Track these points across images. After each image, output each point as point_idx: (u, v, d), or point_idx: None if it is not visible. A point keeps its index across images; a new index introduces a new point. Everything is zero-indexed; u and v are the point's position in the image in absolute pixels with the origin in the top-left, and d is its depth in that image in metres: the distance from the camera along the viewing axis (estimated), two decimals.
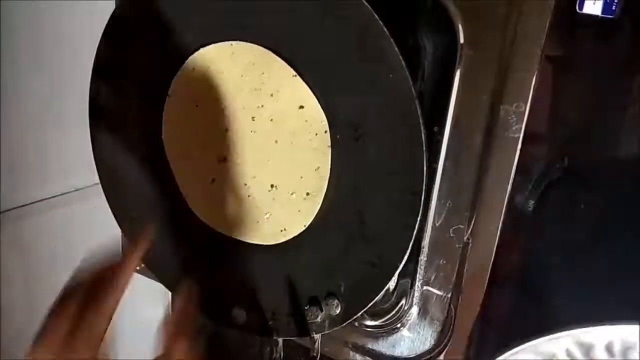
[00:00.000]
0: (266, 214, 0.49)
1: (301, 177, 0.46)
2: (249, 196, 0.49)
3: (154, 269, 0.58)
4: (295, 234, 0.48)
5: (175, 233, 0.55)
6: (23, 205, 0.70)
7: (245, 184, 0.49)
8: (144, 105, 0.53)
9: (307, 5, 0.43)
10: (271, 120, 0.47)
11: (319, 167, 0.46)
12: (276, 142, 0.47)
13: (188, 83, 0.49)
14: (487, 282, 0.44)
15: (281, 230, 0.48)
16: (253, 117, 0.47)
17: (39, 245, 0.74)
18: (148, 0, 0.49)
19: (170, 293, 0.71)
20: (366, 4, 0.40)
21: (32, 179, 0.72)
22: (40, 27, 0.69)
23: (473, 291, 0.46)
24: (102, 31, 0.53)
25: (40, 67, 0.70)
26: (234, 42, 0.47)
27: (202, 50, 0.48)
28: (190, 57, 0.49)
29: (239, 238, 0.51)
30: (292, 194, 0.47)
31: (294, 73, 0.45)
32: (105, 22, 0.53)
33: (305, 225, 0.47)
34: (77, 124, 0.59)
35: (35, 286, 0.75)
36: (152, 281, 0.61)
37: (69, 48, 0.72)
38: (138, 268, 0.70)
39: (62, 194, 0.74)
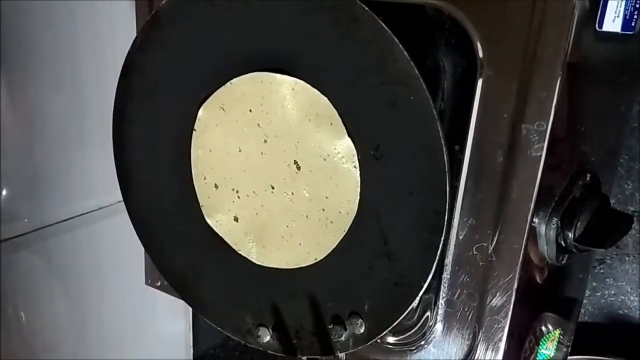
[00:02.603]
0: (295, 236, 0.49)
1: (326, 198, 0.47)
2: (278, 219, 0.49)
3: (177, 288, 0.59)
4: (323, 256, 0.48)
5: (199, 254, 0.56)
6: (48, 225, 0.72)
7: (275, 208, 0.49)
8: (169, 132, 0.54)
9: (326, 30, 0.43)
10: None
11: (344, 189, 0.46)
12: (305, 164, 0.47)
13: (217, 113, 0.50)
14: (512, 299, 0.44)
15: (308, 253, 0.48)
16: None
17: (66, 264, 0.75)
18: (170, 32, 0.50)
19: (191, 309, 0.72)
20: (385, 27, 0.41)
21: (57, 199, 0.73)
22: (60, 47, 0.71)
23: (497, 308, 0.46)
24: (122, 53, 0.54)
25: (60, 88, 0.72)
26: (255, 74, 0.47)
27: (227, 84, 0.48)
28: (218, 90, 0.49)
29: (265, 264, 0.51)
30: (320, 217, 0.47)
31: None
32: (126, 44, 0.53)
33: (330, 248, 0.47)
34: (99, 143, 0.60)
35: (61, 302, 0.76)
36: (175, 298, 0.62)
37: (89, 69, 0.74)
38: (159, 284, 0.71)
39: (87, 213, 0.75)
